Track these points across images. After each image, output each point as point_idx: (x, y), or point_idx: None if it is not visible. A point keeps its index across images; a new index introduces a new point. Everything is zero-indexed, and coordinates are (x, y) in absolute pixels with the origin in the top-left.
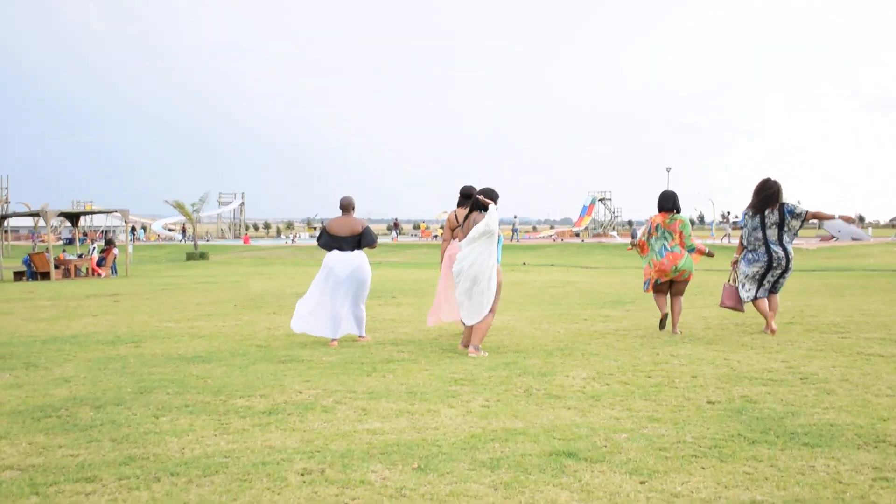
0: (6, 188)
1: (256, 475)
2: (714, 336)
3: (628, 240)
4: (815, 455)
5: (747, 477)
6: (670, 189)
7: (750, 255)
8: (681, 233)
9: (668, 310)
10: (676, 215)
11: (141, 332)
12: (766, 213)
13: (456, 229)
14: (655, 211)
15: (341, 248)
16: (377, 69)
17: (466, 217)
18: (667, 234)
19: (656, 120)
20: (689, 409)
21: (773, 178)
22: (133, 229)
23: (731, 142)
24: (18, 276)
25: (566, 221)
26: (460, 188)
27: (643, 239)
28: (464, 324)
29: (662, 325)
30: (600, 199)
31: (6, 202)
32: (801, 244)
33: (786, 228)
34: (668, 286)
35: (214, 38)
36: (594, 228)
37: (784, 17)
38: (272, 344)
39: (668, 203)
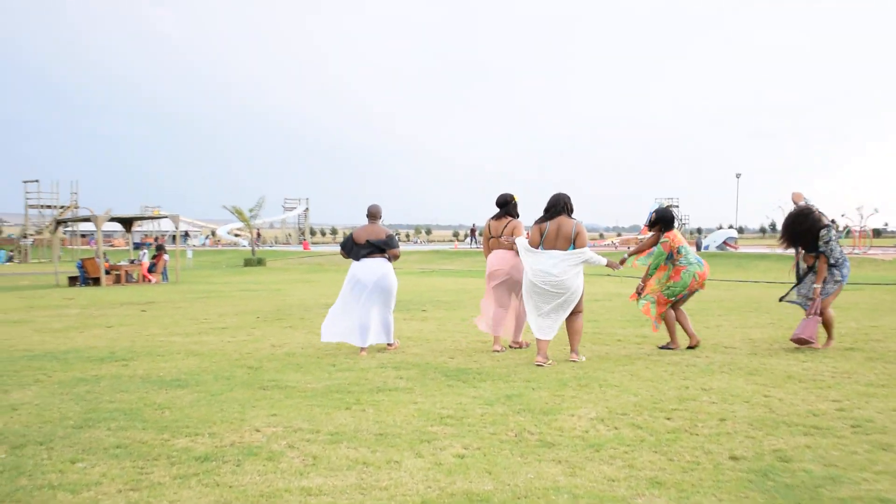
0: (76, 193)
1: None
2: (758, 365)
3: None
4: None
5: None
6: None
7: (837, 273)
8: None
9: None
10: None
11: (139, 348)
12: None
13: (492, 239)
14: (722, 218)
15: (366, 256)
16: (444, 80)
17: (559, 217)
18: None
19: (723, 129)
20: (704, 469)
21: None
22: (186, 234)
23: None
24: (73, 280)
25: (634, 228)
26: (497, 197)
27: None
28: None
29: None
30: (667, 206)
31: (76, 207)
32: (878, 254)
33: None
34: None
35: (276, 53)
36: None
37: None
38: (265, 365)
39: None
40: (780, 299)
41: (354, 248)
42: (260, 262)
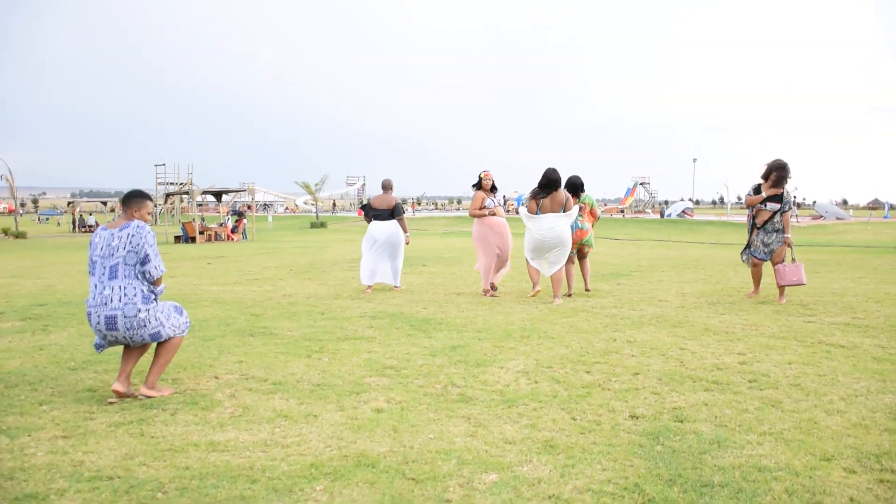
0: (191, 173)
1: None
2: (683, 318)
3: (657, 216)
4: None
5: None
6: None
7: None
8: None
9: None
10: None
11: (180, 296)
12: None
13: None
14: (683, 192)
15: (380, 219)
16: (478, 74)
17: (547, 195)
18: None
19: (684, 120)
20: (601, 431)
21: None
22: (268, 204)
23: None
24: (177, 239)
25: (616, 201)
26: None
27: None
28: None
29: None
30: (641, 183)
31: (191, 184)
32: (794, 222)
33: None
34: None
35: (341, 41)
36: (635, 207)
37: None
38: (267, 313)
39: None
40: (743, 258)
41: (371, 212)
42: (322, 225)
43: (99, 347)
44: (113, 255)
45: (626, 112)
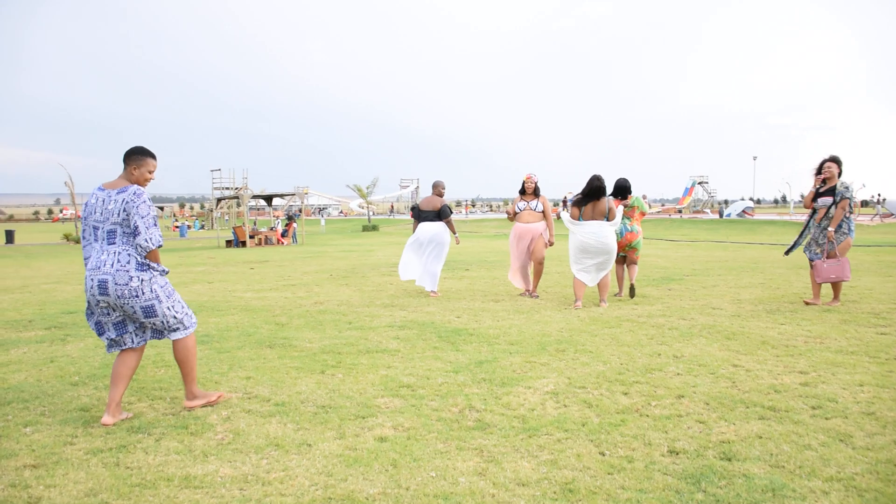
0: (246, 178)
1: None
2: (738, 329)
3: (714, 216)
4: None
5: None
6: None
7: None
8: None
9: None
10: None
11: (211, 303)
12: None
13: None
14: (743, 192)
15: (426, 220)
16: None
17: (588, 203)
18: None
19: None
20: (634, 471)
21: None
22: (321, 208)
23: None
24: (229, 243)
25: (674, 201)
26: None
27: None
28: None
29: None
30: (699, 182)
31: (246, 188)
32: (863, 221)
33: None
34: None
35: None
36: (693, 207)
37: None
38: (292, 322)
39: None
40: (787, 252)
41: (420, 214)
42: (374, 229)
43: (106, 342)
44: (109, 219)
45: (681, 108)
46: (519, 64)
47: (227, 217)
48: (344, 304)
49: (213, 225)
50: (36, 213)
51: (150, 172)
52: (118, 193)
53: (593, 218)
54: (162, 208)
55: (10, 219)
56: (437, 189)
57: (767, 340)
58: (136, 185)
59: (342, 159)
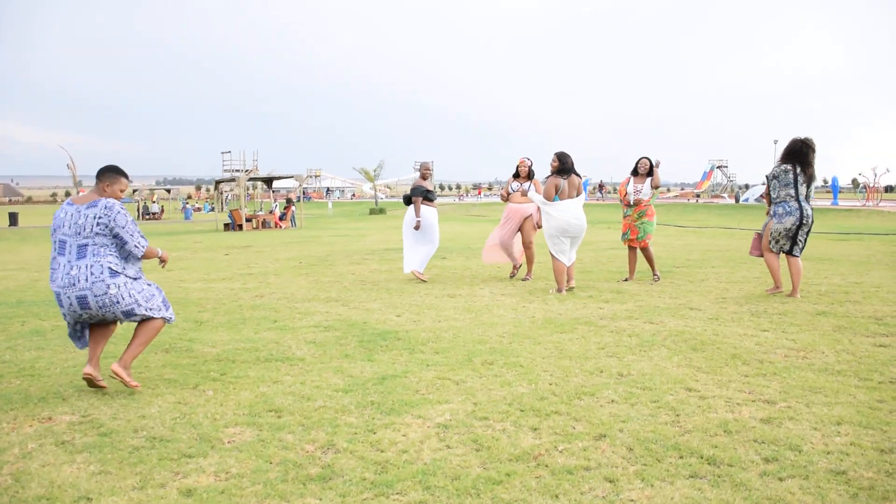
0: (256, 160)
1: None
2: (711, 335)
3: (731, 201)
4: None
5: None
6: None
7: (781, 210)
8: None
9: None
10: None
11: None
12: (799, 170)
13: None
14: (762, 176)
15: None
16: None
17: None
18: None
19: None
20: None
21: (809, 138)
22: (328, 190)
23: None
24: (227, 226)
25: (694, 185)
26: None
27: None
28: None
29: None
30: (718, 167)
31: (256, 170)
32: (886, 206)
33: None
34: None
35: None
36: (712, 191)
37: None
38: (215, 318)
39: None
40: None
41: (425, 194)
42: (381, 212)
43: (74, 338)
44: (80, 233)
45: (708, 91)
46: (547, 44)
47: (229, 200)
48: (284, 298)
49: (222, 207)
50: (53, 194)
51: (122, 191)
52: (87, 208)
53: (569, 196)
54: (168, 191)
55: (29, 200)
56: (423, 171)
57: (739, 354)
58: (104, 199)
59: (358, 141)
